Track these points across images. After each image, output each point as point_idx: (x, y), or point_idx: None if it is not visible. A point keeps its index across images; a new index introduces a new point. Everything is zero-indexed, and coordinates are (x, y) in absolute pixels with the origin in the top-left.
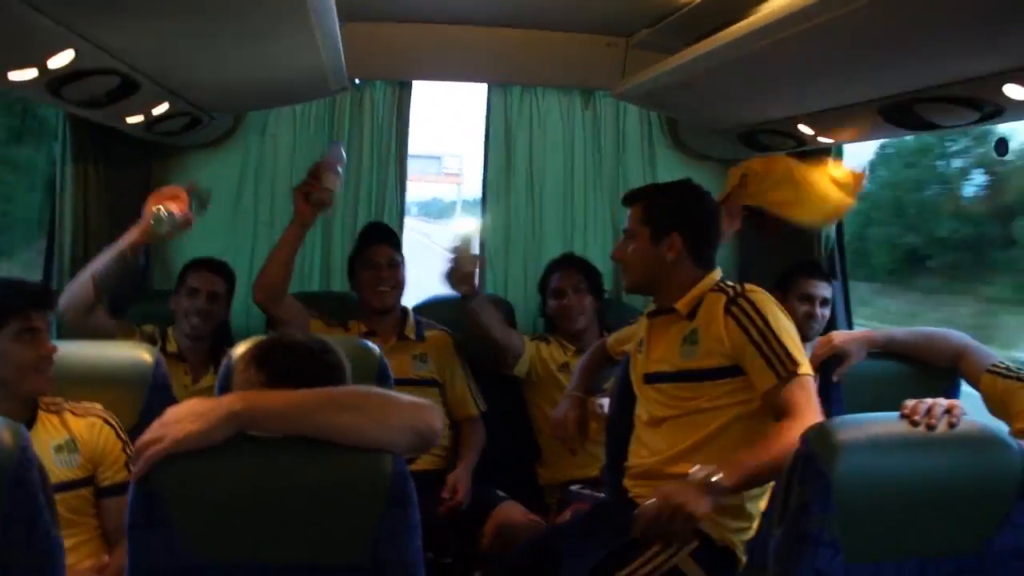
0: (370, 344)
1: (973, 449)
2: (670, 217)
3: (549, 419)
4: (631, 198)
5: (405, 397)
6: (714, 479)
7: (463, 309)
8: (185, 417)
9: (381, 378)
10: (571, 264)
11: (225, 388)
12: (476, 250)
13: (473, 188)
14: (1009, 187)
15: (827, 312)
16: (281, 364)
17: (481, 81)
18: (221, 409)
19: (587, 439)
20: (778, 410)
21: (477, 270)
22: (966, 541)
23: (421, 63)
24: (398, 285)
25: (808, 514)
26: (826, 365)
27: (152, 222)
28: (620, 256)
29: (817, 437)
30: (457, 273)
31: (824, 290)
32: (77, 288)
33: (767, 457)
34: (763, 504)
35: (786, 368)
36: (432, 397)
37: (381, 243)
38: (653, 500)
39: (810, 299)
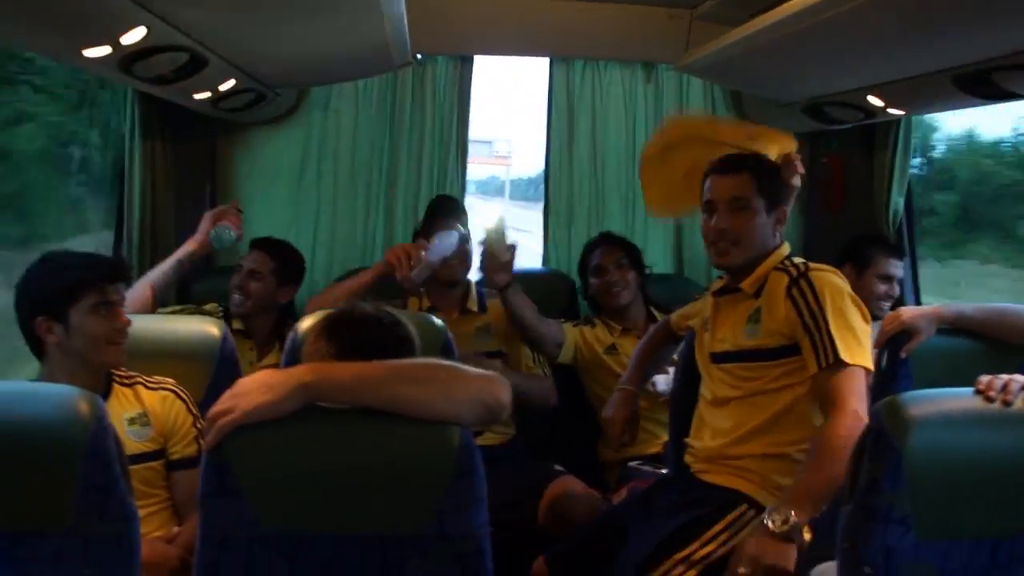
0: (434, 319)
1: None
2: (780, 188)
3: (603, 402)
4: (738, 165)
5: (473, 370)
6: (790, 524)
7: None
8: (255, 388)
9: (446, 352)
10: (610, 241)
11: (292, 362)
12: (509, 238)
13: (522, 169)
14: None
15: (899, 290)
16: (351, 336)
17: (543, 55)
18: (291, 380)
19: (635, 438)
20: (822, 399)
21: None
22: None
23: (484, 37)
24: (465, 259)
25: (878, 490)
26: (895, 341)
27: (212, 242)
28: (740, 229)
29: (888, 412)
30: (492, 263)
31: (899, 269)
32: (133, 296)
33: (824, 474)
34: None
35: (828, 357)
36: (496, 369)
37: (449, 217)
38: (740, 568)
39: (888, 279)
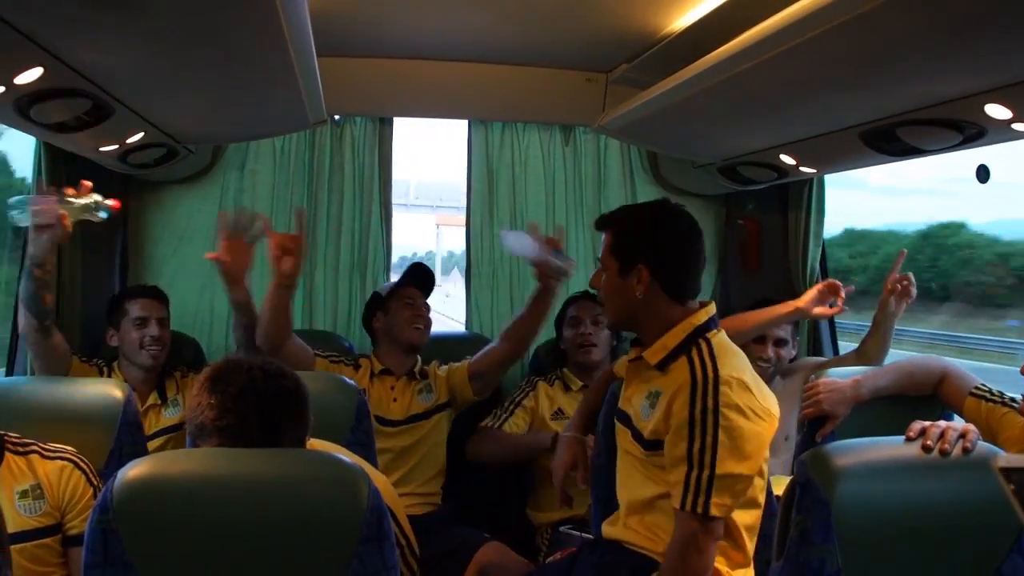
0: (348, 380)
1: (980, 473)
2: (635, 245)
3: (546, 460)
4: (603, 222)
5: None
6: None
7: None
8: None
9: (360, 415)
10: (590, 297)
11: None
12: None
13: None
14: None
15: (786, 352)
16: (234, 387)
17: (462, 117)
18: None
19: (587, 484)
20: (679, 532)
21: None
22: (975, 569)
23: (401, 99)
24: (429, 326)
25: (809, 543)
26: (812, 423)
27: (11, 212)
28: (596, 287)
29: (815, 462)
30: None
31: (782, 331)
32: (20, 316)
33: None
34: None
35: (699, 507)
36: (443, 422)
37: (422, 288)
38: None
39: (782, 343)
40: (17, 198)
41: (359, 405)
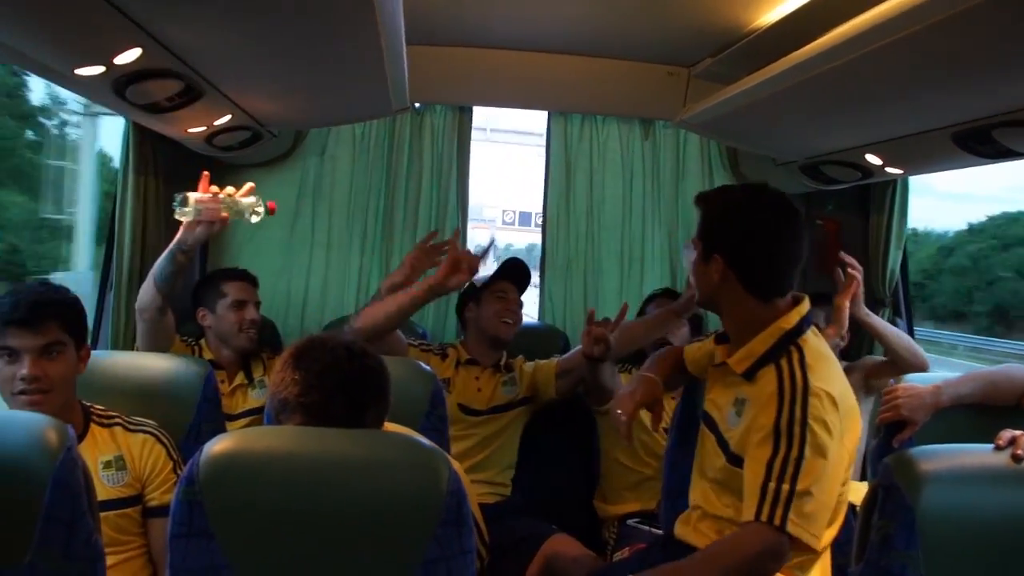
0: (425, 367)
1: None
2: (715, 232)
3: (608, 455)
4: (698, 200)
5: None
6: None
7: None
8: None
9: (434, 402)
10: (669, 296)
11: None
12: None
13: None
14: None
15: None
16: (318, 365)
17: (541, 108)
18: None
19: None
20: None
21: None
22: None
23: (482, 88)
24: (518, 322)
25: (891, 549)
26: (889, 428)
27: (174, 205)
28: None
29: (900, 467)
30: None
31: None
32: (144, 292)
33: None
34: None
35: (775, 517)
36: (522, 416)
37: (517, 283)
38: None
39: None
40: (183, 195)
41: (434, 392)
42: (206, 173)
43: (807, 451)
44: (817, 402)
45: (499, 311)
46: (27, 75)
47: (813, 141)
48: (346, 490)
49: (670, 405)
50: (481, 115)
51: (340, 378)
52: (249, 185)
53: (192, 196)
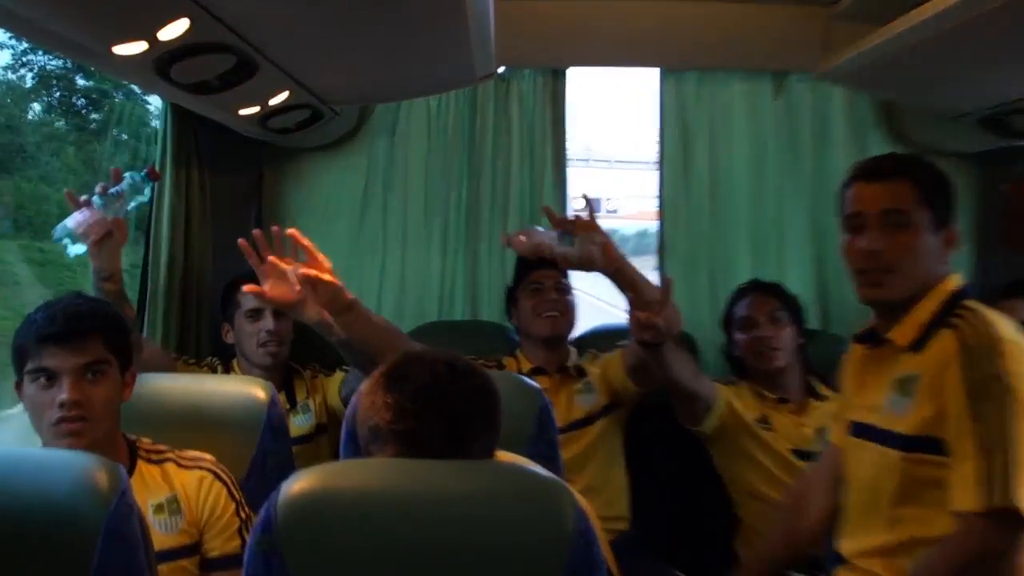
0: (528, 380)
1: None
2: (950, 198)
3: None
4: (895, 167)
5: None
6: None
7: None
8: None
9: (542, 420)
10: (763, 289)
11: (353, 416)
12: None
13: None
14: None
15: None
16: (413, 385)
17: (651, 65)
18: None
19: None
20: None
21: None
22: None
23: (580, 47)
24: (567, 312)
25: None
26: None
27: (60, 244)
28: (902, 248)
29: None
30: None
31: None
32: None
33: None
34: None
35: (995, 496)
36: (614, 428)
37: (546, 266)
38: None
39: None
40: (59, 227)
41: (542, 410)
42: (66, 191)
43: (1016, 407)
44: (1013, 349)
45: (535, 306)
46: None
47: (996, 87)
48: (452, 534)
49: (792, 421)
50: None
51: (440, 400)
52: (116, 169)
53: (65, 225)
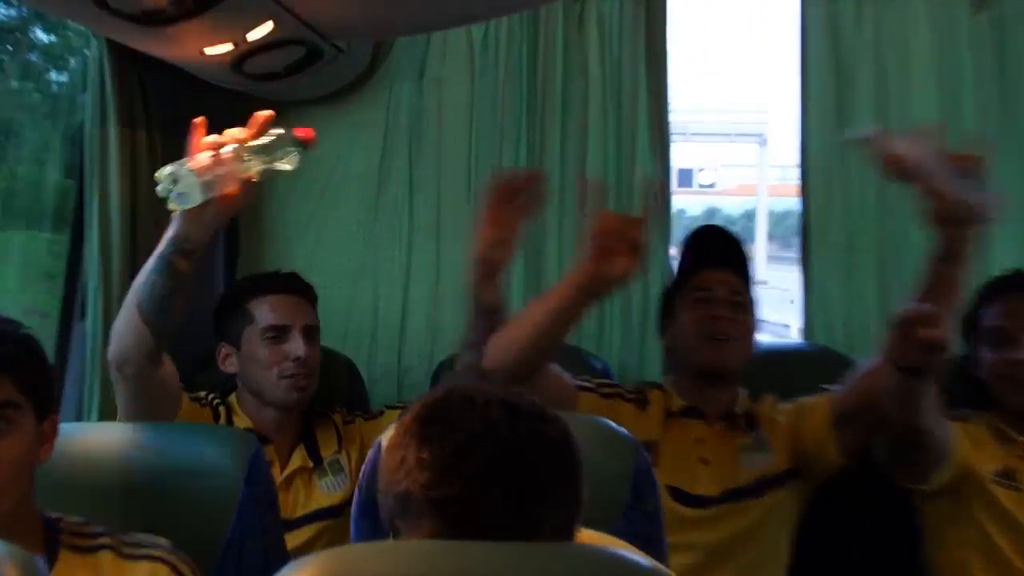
0: (620, 429)
1: None
2: None
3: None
4: None
5: None
6: None
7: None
8: None
9: (639, 486)
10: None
11: (372, 477)
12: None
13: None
14: None
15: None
16: (458, 433)
17: None
18: None
19: None
20: None
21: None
22: None
23: None
24: (744, 335)
25: None
26: None
27: (159, 191)
28: None
29: None
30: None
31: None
32: (123, 327)
33: None
34: None
35: None
36: (788, 503)
37: (720, 265)
38: None
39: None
40: (167, 171)
41: (639, 469)
42: (198, 121)
43: None
44: None
45: (699, 321)
46: None
47: None
48: None
49: None
50: None
51: (498, 456)
52: (266, 114)
53: (182, 166)
